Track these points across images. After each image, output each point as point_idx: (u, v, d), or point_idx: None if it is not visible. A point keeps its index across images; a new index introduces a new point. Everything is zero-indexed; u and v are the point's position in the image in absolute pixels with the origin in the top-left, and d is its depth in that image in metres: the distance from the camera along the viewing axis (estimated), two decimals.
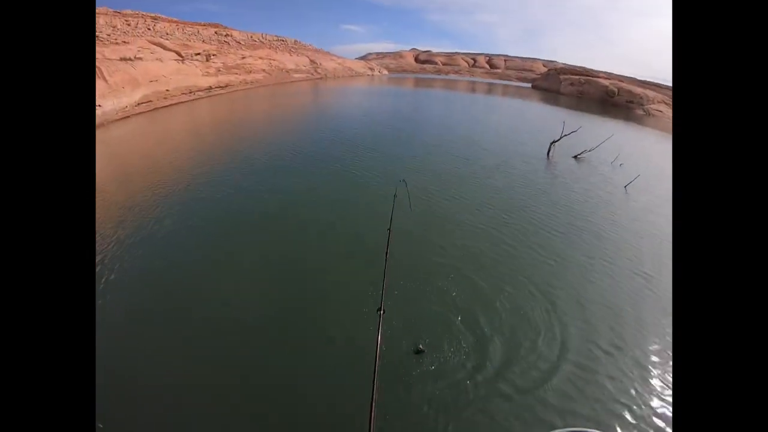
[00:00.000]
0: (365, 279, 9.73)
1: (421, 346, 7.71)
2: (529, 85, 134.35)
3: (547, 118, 48.24)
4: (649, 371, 7.89)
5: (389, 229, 6.63)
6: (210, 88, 52.65)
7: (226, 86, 57.29)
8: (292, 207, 14.59)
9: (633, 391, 7.36)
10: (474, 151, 26.10)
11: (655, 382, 7.60)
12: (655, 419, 6.81)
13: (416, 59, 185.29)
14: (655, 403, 7.16)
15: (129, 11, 61.27)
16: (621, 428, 6.63)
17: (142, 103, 36.81)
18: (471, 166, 22.18)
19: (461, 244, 12.37)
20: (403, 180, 8.53)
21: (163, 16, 65.75)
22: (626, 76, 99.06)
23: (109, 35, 45.56)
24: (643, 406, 7.05)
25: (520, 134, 35.11)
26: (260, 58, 75.67)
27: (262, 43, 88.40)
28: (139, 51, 42.44)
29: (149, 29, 58.74)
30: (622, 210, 17.63)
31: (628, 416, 6.82)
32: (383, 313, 4.25)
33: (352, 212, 14.37)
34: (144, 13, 63.34)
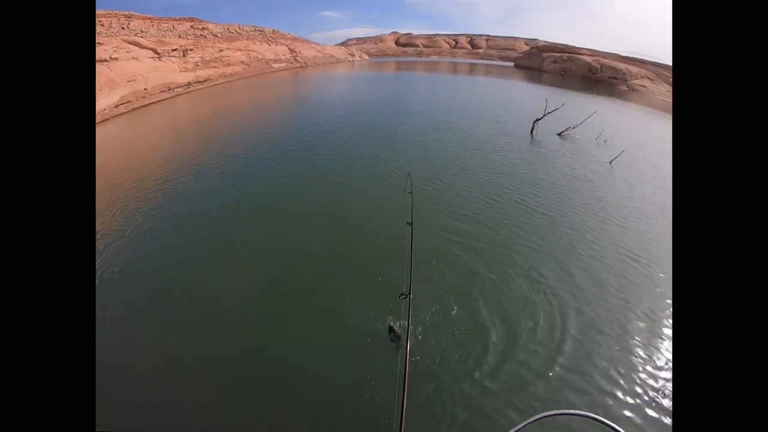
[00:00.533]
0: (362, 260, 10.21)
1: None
2: (512, 64, 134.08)
3: (530, 96, 48.17)
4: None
5: (409, 223, 6.99)
6: (189, 83, 52.01)
7: (205, 81, 56.64)
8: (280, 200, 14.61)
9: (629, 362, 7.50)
10: (455, 135, 25.95)
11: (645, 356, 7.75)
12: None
13: (397, 42, 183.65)
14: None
15: (102, 11, 60.11)
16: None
17: (120, 104, 36.41)
18: (452, 150, 22.07)
19: (447, 226, 12.59)
20: (409, 174, 8.87)
21: (137, 14, 64.65)
22: (609, 53, 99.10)
23: None
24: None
25: (502, 113, 34.92)
26: (238, 50, 74.78)
27: (240, 34, 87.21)
28: (114, 51, 42.03)
29: (123, 28, 57.95)
30: (607, 186, 17.67)
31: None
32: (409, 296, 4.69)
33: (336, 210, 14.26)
34: (117, 12, 62.20)
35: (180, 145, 22.65)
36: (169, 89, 46.84)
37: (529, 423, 2.64)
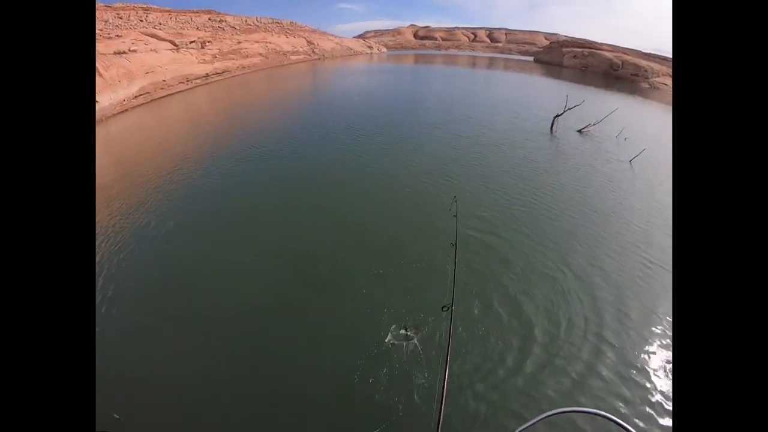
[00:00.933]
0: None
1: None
2: (531, 58, 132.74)
3: (550, 92, 47.59)
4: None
5: (453, 244, 7.03)
6: (207, 75, 52.42)
7: (223, 72, 56.96)
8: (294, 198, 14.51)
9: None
10: (475, 131, 25.51)
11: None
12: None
13: (415, 35, 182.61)
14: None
15: (120, 4, 61.45)
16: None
17: (139, 95, 36.82)
18: (471, 147, 21.69)
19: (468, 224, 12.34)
20: (455, 197, 8.48)
21: (155, 7, 65.56)
22: (631, 49, 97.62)
23: (101, 30, 45.72)
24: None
25: (523, 109, 34.47)
26: (256, 42, 74.92)
27: (257, 26, 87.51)
28: (132, 43, 42.47)
29: (142, 21, 58.80)
30: (627, 185, 17.36)
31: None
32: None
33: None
34: (135, 5, 63.27)
35: (196, 138, 22.76)
36: (188, 80, 47.28)
37: (538, 420, 2.68)
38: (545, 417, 2.69)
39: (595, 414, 2.73)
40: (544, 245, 11.72)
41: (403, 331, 7.66)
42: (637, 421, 6.50)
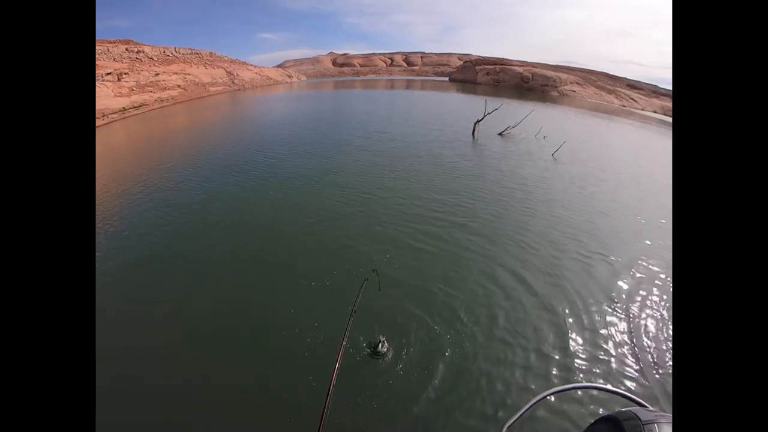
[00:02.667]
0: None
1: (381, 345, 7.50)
2: (447, 78, 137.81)
3: (467, 106, 49.64)
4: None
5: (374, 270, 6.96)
6: (124, 109, 50.12)
7: (141, 106, 54.72)
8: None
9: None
10: (396, 145, 25.26)
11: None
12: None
13: (334, 63, 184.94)
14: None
15: None
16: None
17: None
18: (395, 160, 21.40)
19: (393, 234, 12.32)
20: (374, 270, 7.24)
21: None
22: (539, 63, 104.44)
23: None
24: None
25: (441, 122, 35.50)
26: (175, 73, 73.08)
27: (176, 57, 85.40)
28: None
29: None
30: (554, 173, 18.52)
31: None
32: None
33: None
34: None
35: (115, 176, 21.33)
36: (103, 116, 44.96)
37: (533, 404, 2.47)
38: (540, 399, 2.33)
39: (592, 388, 2.57)
40: (477, 250, 11.58)
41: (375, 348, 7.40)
42: None
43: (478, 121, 28.09)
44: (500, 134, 27.98)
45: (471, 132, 27.83)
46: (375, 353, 7.28)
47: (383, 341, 7.41)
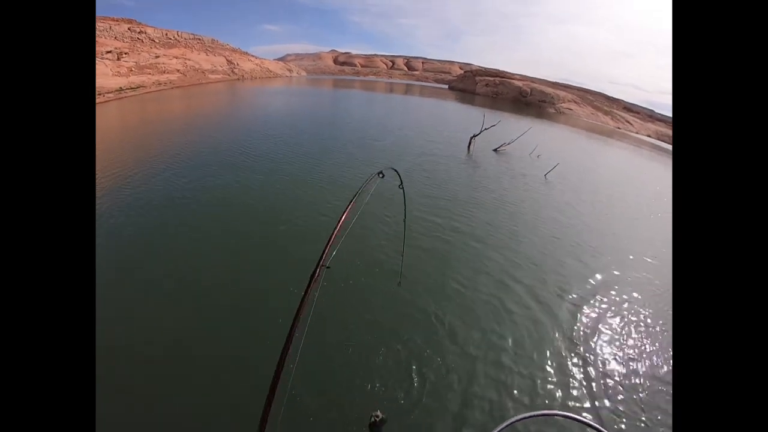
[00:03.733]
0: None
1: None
2: (446, 86, 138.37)
3: (464, 117, 49.75)
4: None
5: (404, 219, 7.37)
6: (121, 89, 49.05)
7: (138, 87, 53.60)
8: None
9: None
10: (386, 156, 24.85)
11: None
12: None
13: (335, 61, 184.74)
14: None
15: None
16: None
17: None
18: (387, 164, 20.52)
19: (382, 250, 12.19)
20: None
21: None
22: (539, 78, 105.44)
23: None
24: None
25: (438, 133, 35.53)
26: (175, 57, 72.34)
27: (178, 41, 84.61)
28: None
29: None
30: (545, 194, 18.66)
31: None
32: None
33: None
34: None
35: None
36: (100, 94, 43.80)
37: (503, 427, 2.51)
38: (510, 423, 2.50)
39: (566, 417, 2.51)
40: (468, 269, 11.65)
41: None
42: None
43: (475, 136, 28.23)
44: (495, 150, 28.17)
45: (467, 146, 27.97)
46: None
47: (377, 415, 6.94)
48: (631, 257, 13.48)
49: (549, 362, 8.05)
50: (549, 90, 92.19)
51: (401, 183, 6.47)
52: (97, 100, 42.52)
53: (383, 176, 5.23)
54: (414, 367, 7.49)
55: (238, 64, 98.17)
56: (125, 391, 6.51)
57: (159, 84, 60.53)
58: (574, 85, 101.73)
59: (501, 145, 28.53)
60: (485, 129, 28.58)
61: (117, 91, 48.34)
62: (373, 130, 32.77)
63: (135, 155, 20.33)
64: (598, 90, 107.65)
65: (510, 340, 8.43)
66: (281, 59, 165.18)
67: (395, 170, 6.31)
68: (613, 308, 9.90)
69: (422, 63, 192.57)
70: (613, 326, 9.19)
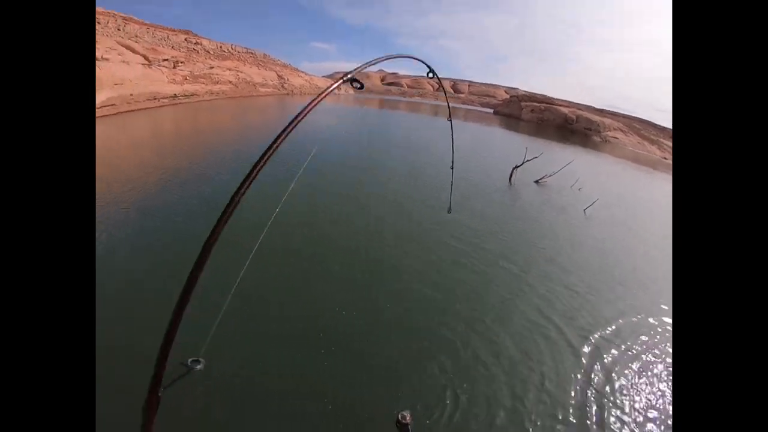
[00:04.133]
0: None
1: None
2: (491, 110, 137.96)
3: (508, 145, 49.35)
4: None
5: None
6: (175, 96, 51.20)
7: (192, 95, 55.90)
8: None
9: None
10: (430, 181, 24.16)
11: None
12: None
13: (383, 80, 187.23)
14: None
15: (101, 9, 60.44)
16: None
17: (105, 106, 35.45)
18: (432, 199, 20.29)
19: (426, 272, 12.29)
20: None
21: (136, 18, 65.01)
22: (585, 105, 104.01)
23: None
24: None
25: (480, 159, 35.31)
26: (228, 69, 74.69)
27: (231, 54, 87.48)
28: (106, 51, 41.39)
29: (119, 29, 57.89)
30: (583, 231, 18.37)
31: None
32: None
33: None
34: (116, 13, 62.54)
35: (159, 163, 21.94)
36: (155, 99, 46.02)
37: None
38: None
39: None
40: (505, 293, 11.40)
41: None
42: None
43: (517, 167, 28.05)
44: (537, 182, 27.88)
45: (508, 176, 27.82)
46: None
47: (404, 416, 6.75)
48: (664, 307, 12.20)
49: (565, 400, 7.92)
50: (595, 117, 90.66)
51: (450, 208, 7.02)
52: (153, 105, 44.41)
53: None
54: (441, 385, 7.47)
55: (288, 79, 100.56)
56: (125, 391, 6.64)
57: (212, 93, 62.58)
58: (620, 112, 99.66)
59: (543, 177, 28.23)
60: (527, 160, 28.37)
61: (172, 97, 50.29)
62: (423, 155, 32.89)
63: (179, 161, 20.94)
64: (645, 118, 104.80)
65: (536, 374, 8.31)
66: (329, 76, 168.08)
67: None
68: (634, 356, 9.43)
69: (468, 86, 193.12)
70: (631, 376, 8.78)
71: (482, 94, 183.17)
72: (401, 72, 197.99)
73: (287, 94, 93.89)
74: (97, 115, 33.02)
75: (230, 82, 72.14)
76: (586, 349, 9.04)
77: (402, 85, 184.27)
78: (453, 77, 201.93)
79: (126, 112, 38.08)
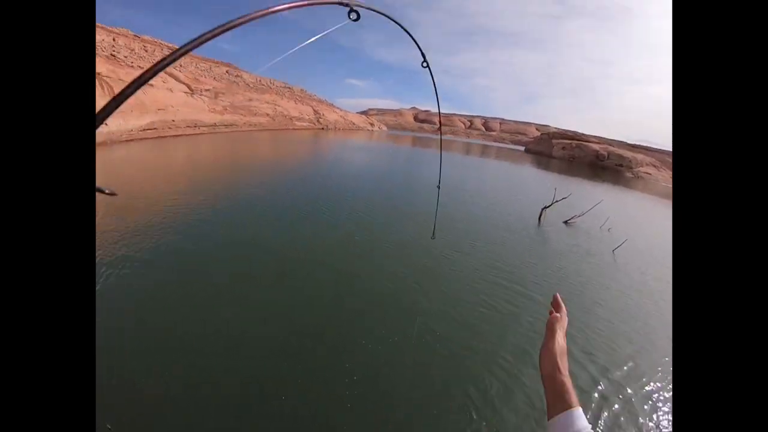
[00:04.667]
0: None
1: None
2: (522, 148, 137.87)
3: (539, 183, 49.00)
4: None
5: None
6: (214, 125, 52.96)
7: (231, 125, 57.66)
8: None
9: None
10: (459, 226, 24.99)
11: None
12: None
13: (415, 118, 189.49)
14: None
15: (148, 37, 65.12)
16: None
17: (147, 129, 37.23)
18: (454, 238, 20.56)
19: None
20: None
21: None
22: (616, 140, 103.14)
23: (126, 57, 47.36)
24: None
25: (510, 197, 34.54)
26: (266, 102, 76.74)
27: (270, 88, 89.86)
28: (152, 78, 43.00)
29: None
30: (610, 273, 18.13)
31: None
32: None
33: None
34: (162, 42, 67.08)
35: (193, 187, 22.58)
36: (196, 126, 47.81)
37: None
38: None
39: None
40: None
41: None
42: None
43: (546, 207, 27.90)
44: (566, 222, 27.65)
45: (537, 217, 27.69)
46: None
47: None
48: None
49: None
50: (627, 153, 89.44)
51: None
52: (192, 132, 46.17)
53: None
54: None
55: (323, 115, 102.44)
56: (125, 391, 6.54)
57: (250, 125, 64.37)
58: (653, 146, 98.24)
59: (572, 217, 27.94)
60: (556, 201, 28.22)
61: (211, 126, 52.08)
62: (454, 194, 32.98)
63: (215, 187, 21.54)
64: None
65: None
66: (364, 113, 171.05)
67: None
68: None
69: (500, 124, 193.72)
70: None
71: (514, 131, 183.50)
72: (434, 109, 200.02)
73: (322, 128, 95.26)
74: (139, 137, 34.41)
75: (267, 114, 73.93)
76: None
77: (434, 123, 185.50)
78: (485, 115, 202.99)
79: (167, 137, 39.48)
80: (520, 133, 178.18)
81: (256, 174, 25.95)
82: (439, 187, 6.10)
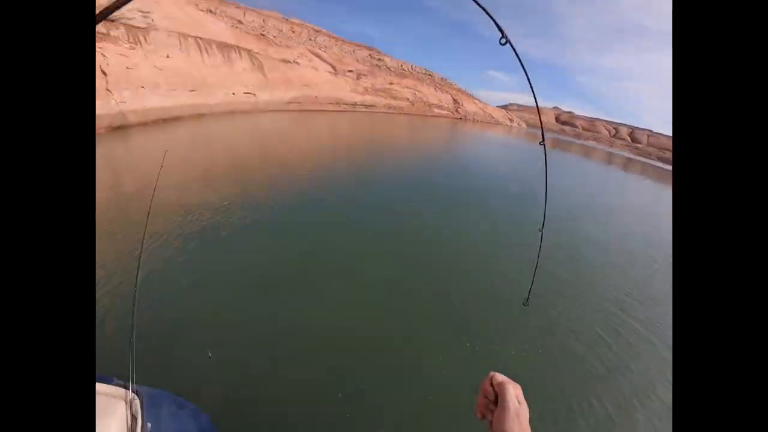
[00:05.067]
0: None
1: None
2: (671, 168, 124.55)
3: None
4: None
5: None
6: (355, 104, 54.79)
7: (370, 106, 59.27)
8: None
9: None
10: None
11: None
12: None
13: (557, 119, 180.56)
14: None
15: (296, 20, 68.86)
16: None
17: (292, 102, 39.11)
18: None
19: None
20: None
21: (325, 30, 72.13)
22: None
23: (275, 37, 50.42)
24: None
25: (648, 231, 24.95)
26: (406, 87, 77.22)
27: (411, 73, 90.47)
28: (298, 56, 45.89)
29: (310, 39, 64.36)
30: None
31: None
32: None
33: None
34: (309, 25, 70.28)
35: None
36: (337, 103, 49.74)
37: None
38: None
39: None
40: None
41: None
42: None
43: None
44: None
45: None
46: None
47: None
48: None
49: None
50: None
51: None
52: (334, 109, 48.39)
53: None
54: None
55: (462, 104, 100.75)
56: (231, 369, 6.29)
57: (389, 107, 65.73)
58: None
59: None
60: None
61: (352, 104, 54.22)
62: (582, 218, 26.08)
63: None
64: None
65: None
66: (503, 107, 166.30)
67: None
68: None
69: (648, 136, 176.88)
70: None
71: (663, 147, 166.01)
72: (577, 112, 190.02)
73: (460, 118, 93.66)
74: (284, 108, 37.00)
75: (407, 99, 74.66)
76: None
77: (577, 126, 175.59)
78: (632, 124, 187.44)
79: (309, 111, 41.54)
80: (669, 150, 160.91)
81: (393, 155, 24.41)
82: (542, 231, 3.69)
